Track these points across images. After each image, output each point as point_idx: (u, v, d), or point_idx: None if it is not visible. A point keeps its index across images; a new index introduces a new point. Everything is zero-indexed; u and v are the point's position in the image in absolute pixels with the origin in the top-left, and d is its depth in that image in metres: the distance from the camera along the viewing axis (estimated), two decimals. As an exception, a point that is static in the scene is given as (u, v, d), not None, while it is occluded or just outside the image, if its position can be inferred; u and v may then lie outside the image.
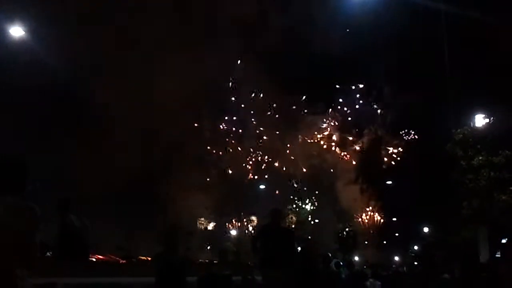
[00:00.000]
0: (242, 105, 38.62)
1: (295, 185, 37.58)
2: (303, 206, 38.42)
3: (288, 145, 39.39)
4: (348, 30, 34.12)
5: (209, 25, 32.20)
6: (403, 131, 40.31)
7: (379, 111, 40.26)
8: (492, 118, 20.60)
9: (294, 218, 36.32)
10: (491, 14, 21.95)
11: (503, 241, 21.07)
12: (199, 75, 30.62)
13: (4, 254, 2.37)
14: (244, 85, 37.09)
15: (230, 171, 37.37)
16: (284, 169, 39.15)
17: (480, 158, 19.53)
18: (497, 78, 24.40)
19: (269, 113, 38.59)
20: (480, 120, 20.93)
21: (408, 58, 32.69)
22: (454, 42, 22.60)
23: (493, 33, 23.56)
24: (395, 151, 40.04)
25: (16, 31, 21.62)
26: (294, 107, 39.29)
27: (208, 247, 35.79)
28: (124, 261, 27.14)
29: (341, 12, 31.90)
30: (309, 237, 32.45)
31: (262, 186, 38.33)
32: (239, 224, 37.09)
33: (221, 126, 38.85)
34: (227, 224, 37.46)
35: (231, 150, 38.06)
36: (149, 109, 30.10)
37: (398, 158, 40.06)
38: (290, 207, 36.44)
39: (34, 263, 2.50)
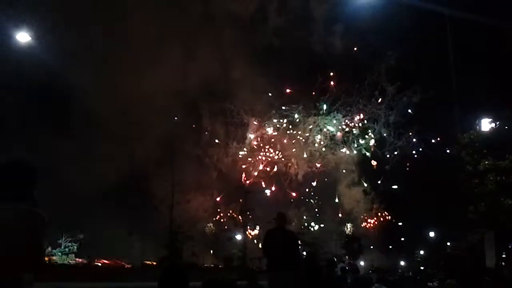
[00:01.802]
0: (243, 106, 38.35)
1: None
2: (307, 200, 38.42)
3: (290, 146, 39.22)
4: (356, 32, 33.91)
5: (208, 22, 32.20)
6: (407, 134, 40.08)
7: (383, 112, 40.03)
8: (498, 123, 20.53)
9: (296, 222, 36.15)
10: (497, 17, 21.89)
11: (510, 245, 20.96)
12: (198, 73, 30.69)
13: (12, 259, 2.39)
14: (244, 84, 36.86)
15: (230, 174, 37.18)
16: (286, 170, 38.96)
17: (486, 162, 19.42)
18: (503, 83, 24.32)
19: (269, 113, 38.35)
20: (486, 125, 20.87)
21: (414, 61, 32.59)
22: (460, 46, 22.57)
23: (500, 37, 23.51)
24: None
25: (22, 37, 21.85)
26: (295, 106, 39.15)
27: (212, 251, 35.76)
28: (129, 266, 27.17)
29: (346, 12, 31.90)
30: (313, 242, 32.31)
31: (267, 191, 38.22)
32: (242, 227, 36.90)
33: (220, 126, 38.60)
34: (226, 226, 37.33)
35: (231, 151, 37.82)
36: (147, 109, 30.11)
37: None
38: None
39: (41, 269, 2.52)
